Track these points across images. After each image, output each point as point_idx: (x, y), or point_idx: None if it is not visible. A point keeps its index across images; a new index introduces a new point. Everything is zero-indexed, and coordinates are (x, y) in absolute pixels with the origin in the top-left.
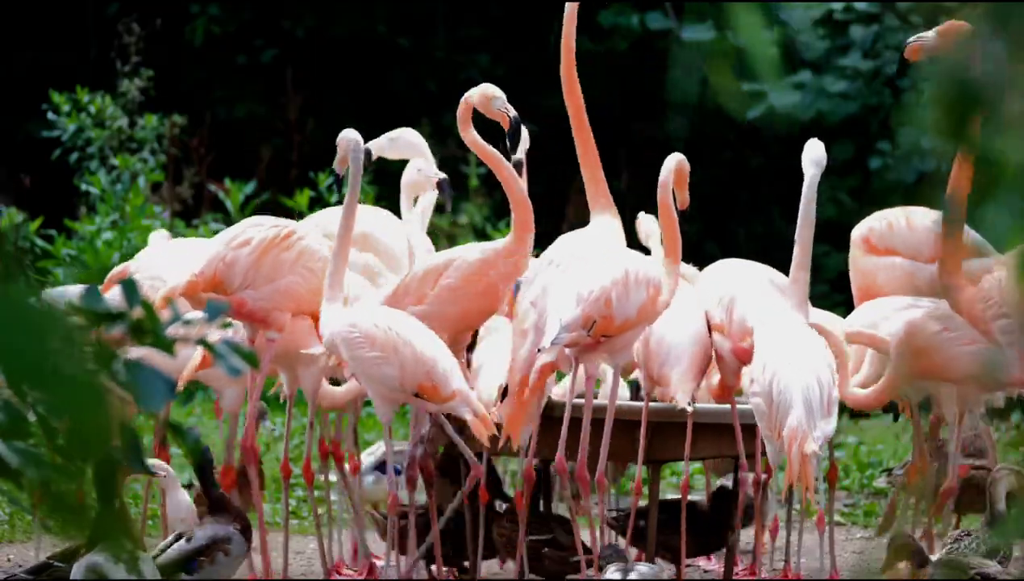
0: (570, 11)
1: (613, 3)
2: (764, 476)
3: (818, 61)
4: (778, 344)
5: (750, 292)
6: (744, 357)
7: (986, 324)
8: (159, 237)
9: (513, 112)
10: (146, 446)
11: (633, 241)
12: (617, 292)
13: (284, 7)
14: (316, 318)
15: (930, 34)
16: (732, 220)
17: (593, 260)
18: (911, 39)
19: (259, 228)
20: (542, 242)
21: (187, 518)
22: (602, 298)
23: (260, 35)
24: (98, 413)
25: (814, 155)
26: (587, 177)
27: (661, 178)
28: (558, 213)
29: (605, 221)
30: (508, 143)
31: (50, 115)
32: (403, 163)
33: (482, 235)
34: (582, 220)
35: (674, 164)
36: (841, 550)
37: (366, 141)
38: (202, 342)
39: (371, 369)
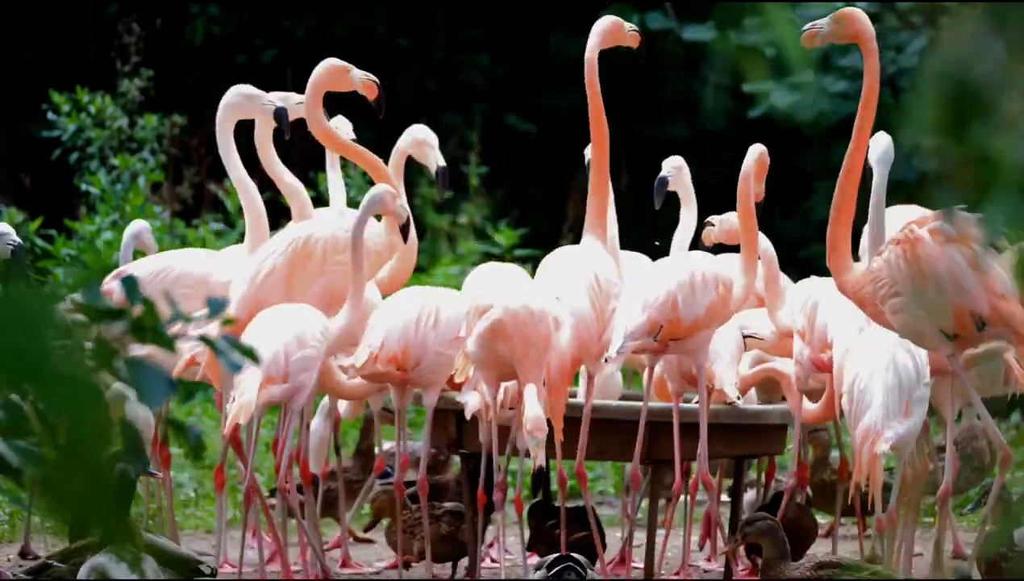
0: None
1: (613, 3)
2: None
3: (818, 61)
4: (862, 347)
5: (832, 301)
6: (824, 367)
7: (874, 306)
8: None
9: (442, 163)
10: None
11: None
12: (683, 295)
13: (284, 7)
14: None
15: (824, 21)
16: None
17: (660, 264)
18: (806, 26)
19: (274, 254)
20: (542, 242)
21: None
22: (668, 302)
23: (260, 35)
24: (98, 412)
25: (880, 151)
26: (592, 202)
27: (743, 170)
28: (558, 213)
29: (590, 241)
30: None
31: (50, 115)
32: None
33: (482, 235)
34: (581, 220)
35: (756, 155)
36: (843, 549)
37: (364, 140)
38: (203, 339)
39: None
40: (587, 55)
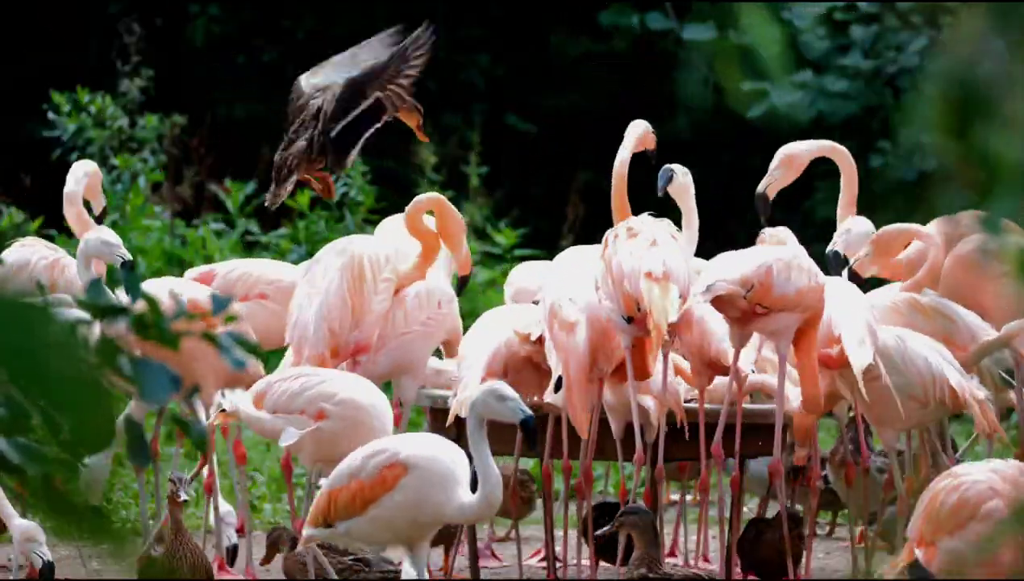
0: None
1: (613, 3)
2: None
3: (818, 61)
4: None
5: (835, 295)
6: (832, 364)
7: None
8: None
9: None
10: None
11: None
12: (779, 267)
13: (284, 7)
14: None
15: (771, 174)
16: (732, 220)
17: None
18: (760, 186)
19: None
20: (542, 242)
21: None
22: (763, 267)
23: (260, 35)
24: (100, 409)
25: (849, 237)
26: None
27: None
28: (558, 213)
29: None
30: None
31: (50, 115)
32: (398, 166)
33: (482, 235)
34: (582, 219)
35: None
36: (844, 549)
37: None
38: (206, 335)
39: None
40: (619, 159)
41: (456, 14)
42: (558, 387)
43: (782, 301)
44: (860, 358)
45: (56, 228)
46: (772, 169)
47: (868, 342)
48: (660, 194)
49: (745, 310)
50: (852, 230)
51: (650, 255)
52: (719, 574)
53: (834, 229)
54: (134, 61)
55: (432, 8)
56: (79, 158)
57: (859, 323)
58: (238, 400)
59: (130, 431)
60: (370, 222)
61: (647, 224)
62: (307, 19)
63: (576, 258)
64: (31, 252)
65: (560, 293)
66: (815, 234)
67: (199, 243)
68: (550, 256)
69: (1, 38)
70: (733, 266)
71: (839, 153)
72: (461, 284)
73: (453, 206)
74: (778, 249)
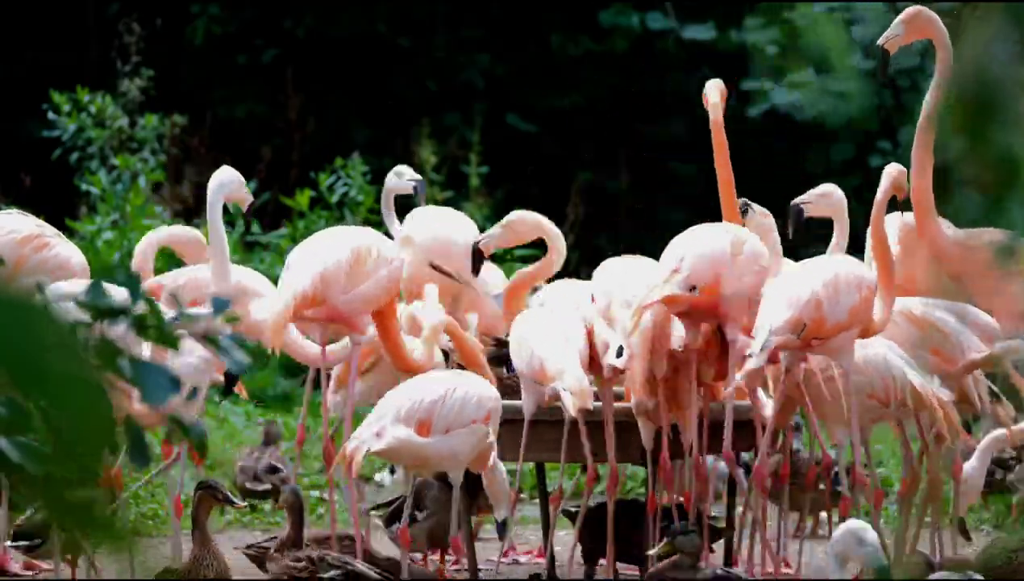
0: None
1: (613, 3)
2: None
3: (818, 61)
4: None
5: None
6: (777, 360)
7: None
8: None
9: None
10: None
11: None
12: (827, 295)
13: (284, 7)
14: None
15: (895, 28)
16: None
17: (806, 264)
18: (881, 40)
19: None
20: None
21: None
22: (812, 301)
23: (260, 35)
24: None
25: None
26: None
27: (879, 193)
28: (558, 213)
29: None
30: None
31: (50, 115)
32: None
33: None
34: (582, 220)
35: (889, 182)
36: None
37: (364, 140)
38: (207, 336)
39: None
40: (713, 118)
41: (456, 14)
42: (619, 353)
43: (836, 327)
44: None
45: (56, 228)
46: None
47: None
48: (790, 236)
49: (801, 346)
50: (824, 193)
51: (673, 251)
52: None
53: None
54: (134, 61)
55: (432, 8)
56: (79, 158)
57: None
58: (393, 436)
59: (130, 431)
60: (370, 222)
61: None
62: (307, 19)
63: (619, 268)
64: (12, 222)
65: (613, 284)
66: (815, 235)
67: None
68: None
69: (1, 38)
70: (782, 308)
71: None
72: None
73: (465, 336)
74: (826, 269)
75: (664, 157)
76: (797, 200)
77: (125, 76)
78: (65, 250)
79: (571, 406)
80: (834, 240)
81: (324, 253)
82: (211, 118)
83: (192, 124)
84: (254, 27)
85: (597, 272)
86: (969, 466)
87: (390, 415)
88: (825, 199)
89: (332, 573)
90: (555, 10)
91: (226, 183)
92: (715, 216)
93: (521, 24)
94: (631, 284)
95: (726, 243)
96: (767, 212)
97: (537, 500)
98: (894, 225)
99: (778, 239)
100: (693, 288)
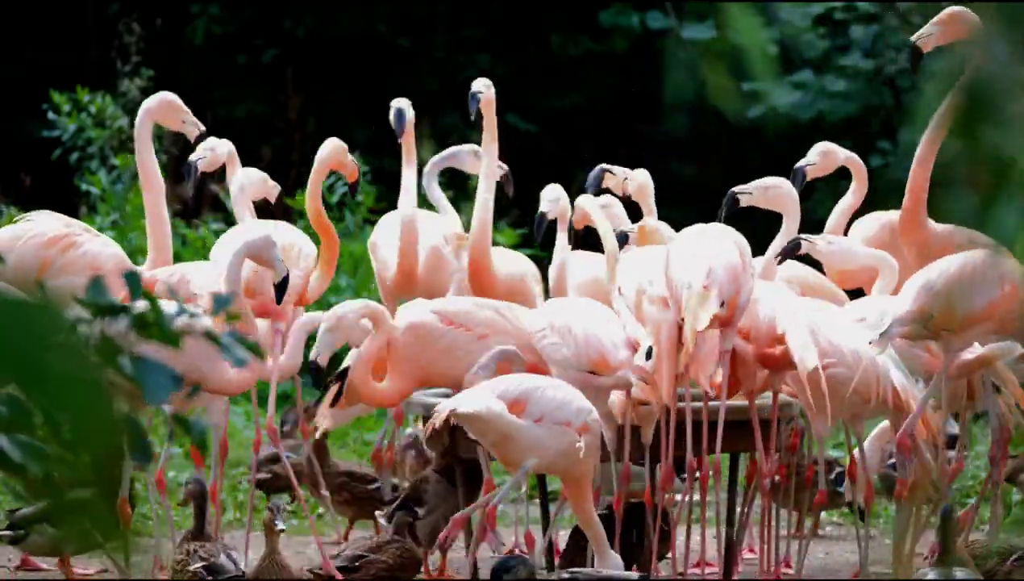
0: None
1: (613, 3)
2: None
3: (818, 61)
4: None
5: (769, 293)
6: (773, 363)
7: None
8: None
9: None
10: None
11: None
12: (961, 285)
13: (284, 7)
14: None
15: (930, 28)
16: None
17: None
18: (915, 37)
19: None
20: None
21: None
22: (943, 292)
23: (260, 35)
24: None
25: None
26: None
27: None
28: None
29: None
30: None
31: (50, 115)
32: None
33: None
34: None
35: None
36: (843, 549)
37: (364, 140)
38: (208, 334)
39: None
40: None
41: (456, 14)
42: (648, 355)
43: (967, 320)
44: (808, 361)
45: None
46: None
47: (812, 343)
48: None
49: (930, 336)
50: (768, 186)
51: (697, 265)
52: (719, 575)
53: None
54: (134, 61)
55: (432, 8)
56: (79, 158)
57: (802, 324)
58: (486, 404)
59: (131, 430)
60: (370, 222)
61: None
62: (307, 19)
63: (640, 256)
64: (37, 225)
65: (642, 278)
66: (815, 233)
67: (199, 243)
68: (550, 256)
69: (1, 38)
70: (908, 297)
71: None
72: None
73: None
74: (964, 259)
75: (664, 157)
76: (735, 189)
77: (125, 76)
78: (95, 246)
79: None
80: (779, 237)
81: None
82: (211, 118)
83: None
84: (254, 27)
85: (622, 266)
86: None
87: (488, 388)
88: (768, 192)
89: (197, 565)
90: (555, 10)
91: (246, 186)
92: (716, 215)
93: (521, 24)
94: (659, 281)
95: (736, 252)
96: (635, 173)
97: (538, 501)
98: (876, 223)
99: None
100: (723, 303)
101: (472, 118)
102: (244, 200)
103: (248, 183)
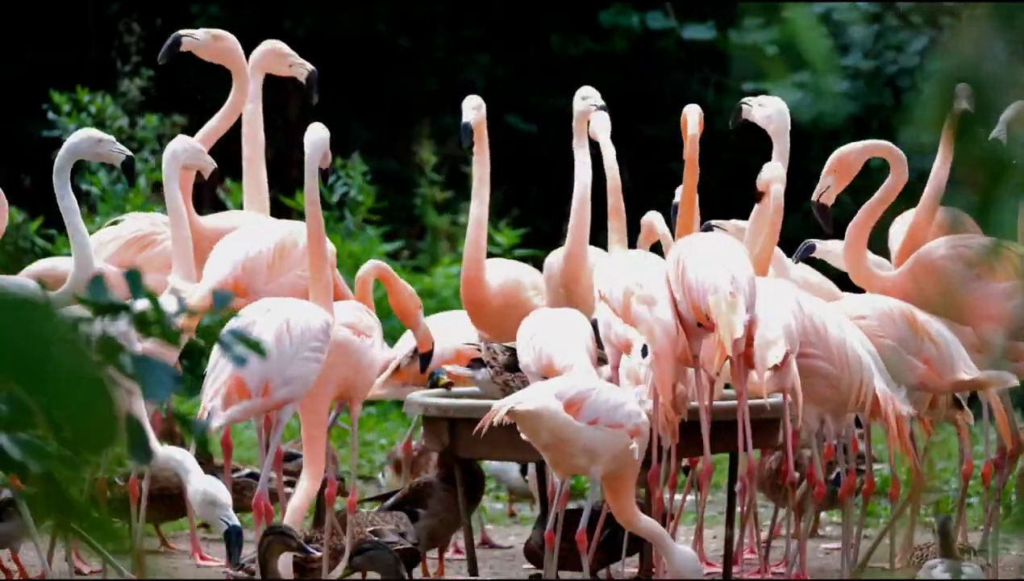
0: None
1: (613, 3)
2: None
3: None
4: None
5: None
6: (753, 364)
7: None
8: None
9: (309, 67)
10: None
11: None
12: None
13: (284, 7)
14: None
15: (825, 181)
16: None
17: None
18: (815, 196)
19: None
20: (542, 242)
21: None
22: None
23: (260, 35)
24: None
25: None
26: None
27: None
28: (558, 213)
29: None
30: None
31: (50, 115)
32: (398, 166)
33: None
34: None
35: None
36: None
37: (366, 141)
38: (208, 333)
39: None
40: (688, 143)
41: (456, 14)
42: (644, 352)
43: None
44: (769, 357)
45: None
46: (824, 175)
47: (781, 343)
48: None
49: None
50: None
51: (720, 272)
52: (718, 574)
53: (835, 229)
54: (134, 61)
55: (432, 8)
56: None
57: (777, 324)
58: (544, 403)
59: (131, 428)
60: (370, 222)
61: (713, 237)
62: (307, 19)
63: (626, 259)
64: (117, 229)
65: (629, 280)
66: (815, 233)
67: None
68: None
69: (1, 38)
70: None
71: (893, 153)
72: (423, 362)
73: (400, 279)
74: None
75: (664, 157)
76: (744, 100)
77: (125, 76)
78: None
79: None
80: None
81: (247, 243)
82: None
83: (192, 124)
84: (254, 27)
85: (602, 270)
86: None
87: (545, 387)
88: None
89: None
90: (555, 10)
91: (179, 152)
92: (716, 215)
93: (521, 24)
94: (647, 282)
95: (748, 258)
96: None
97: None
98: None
99: None
100: (748, 309)
101: (465, 147)
102: (175, 165)
103: (182, 149)
